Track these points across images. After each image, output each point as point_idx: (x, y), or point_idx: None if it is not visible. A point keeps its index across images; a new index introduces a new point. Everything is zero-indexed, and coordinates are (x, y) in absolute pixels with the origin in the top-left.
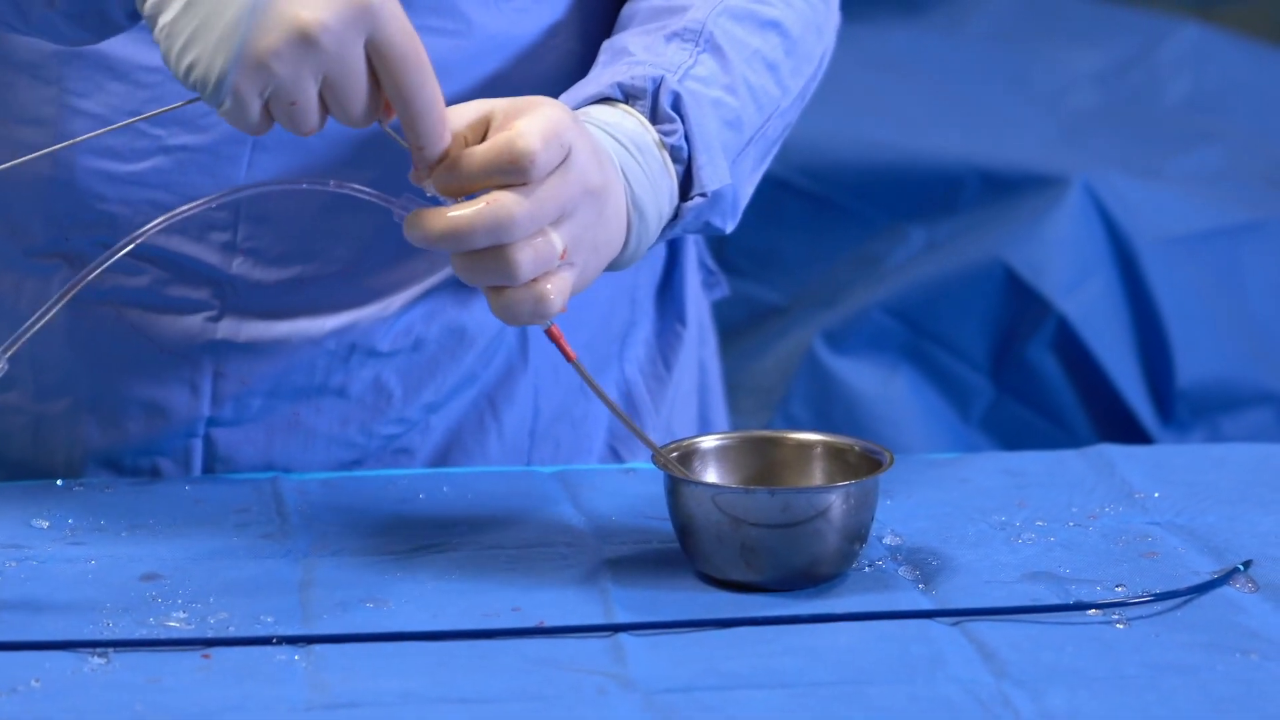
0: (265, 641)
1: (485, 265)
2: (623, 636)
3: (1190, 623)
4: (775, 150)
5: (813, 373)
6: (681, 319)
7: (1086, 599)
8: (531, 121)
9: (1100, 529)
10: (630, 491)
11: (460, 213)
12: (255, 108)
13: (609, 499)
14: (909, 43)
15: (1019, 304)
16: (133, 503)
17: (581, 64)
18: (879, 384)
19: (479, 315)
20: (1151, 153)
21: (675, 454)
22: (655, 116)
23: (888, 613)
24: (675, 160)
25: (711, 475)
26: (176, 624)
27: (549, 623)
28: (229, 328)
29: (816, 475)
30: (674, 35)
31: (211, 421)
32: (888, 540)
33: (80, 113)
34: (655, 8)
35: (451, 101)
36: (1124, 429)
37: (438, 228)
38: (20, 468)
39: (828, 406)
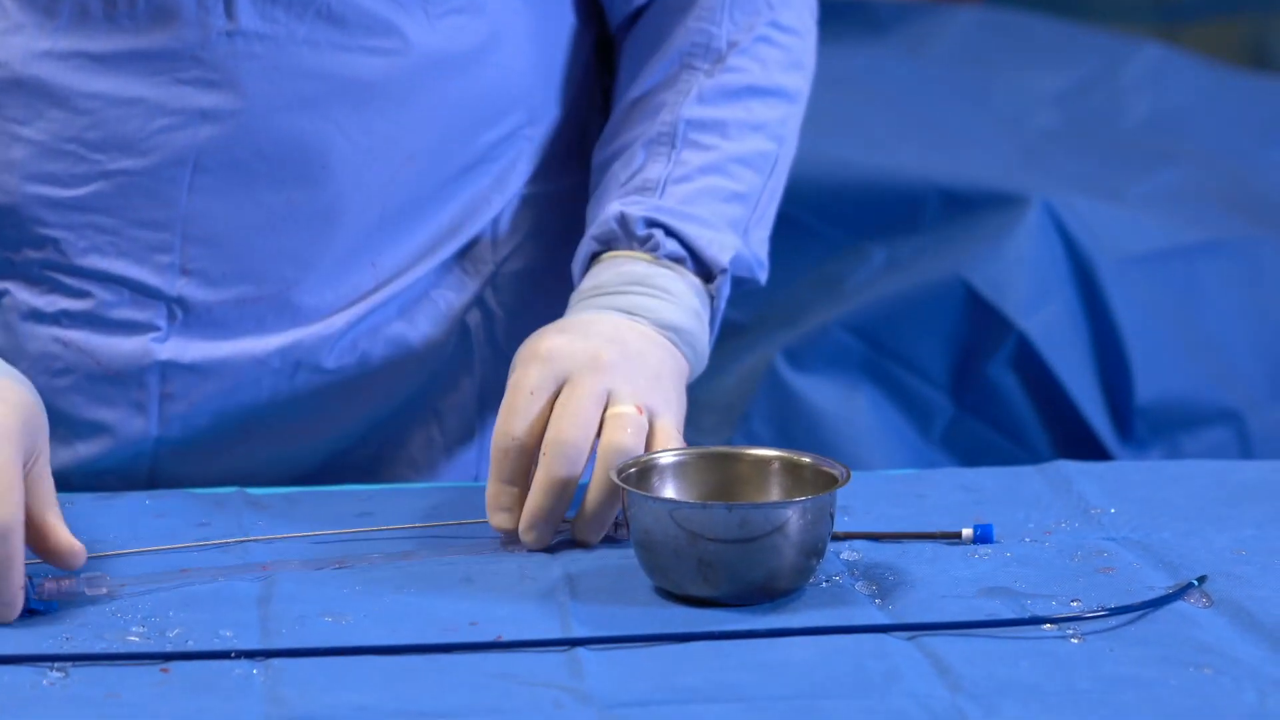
0: (224, 655)
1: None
2: (580, 650)
3: (1145, 638)
4: (783, 188)
5: (774, 390)
6: None
7: (1042, 614)
8: (505, 418)
9: (1056, 544)
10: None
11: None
12: None
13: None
14: (871, 62)
15: (979, 322)
16: (94, 516)
17: (531, 70)
18: (840, 402)
19: (423, 329)
20: (1112, 173)
21: (633, 469)
22: (635, 244)
23: (844, 627)
24: (678, 261)
25: (669, 490)
26: (135, 638)
27: (506, 637)
28: (174, 348)
29: (773, 491)
30: (649, 143)
31: (159, 441)
32: (845, 555)
33: (20, 139)
34: (634, 100)
35: (394, 123)
36: (1083, 447)
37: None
38: None
39: (789, 424)
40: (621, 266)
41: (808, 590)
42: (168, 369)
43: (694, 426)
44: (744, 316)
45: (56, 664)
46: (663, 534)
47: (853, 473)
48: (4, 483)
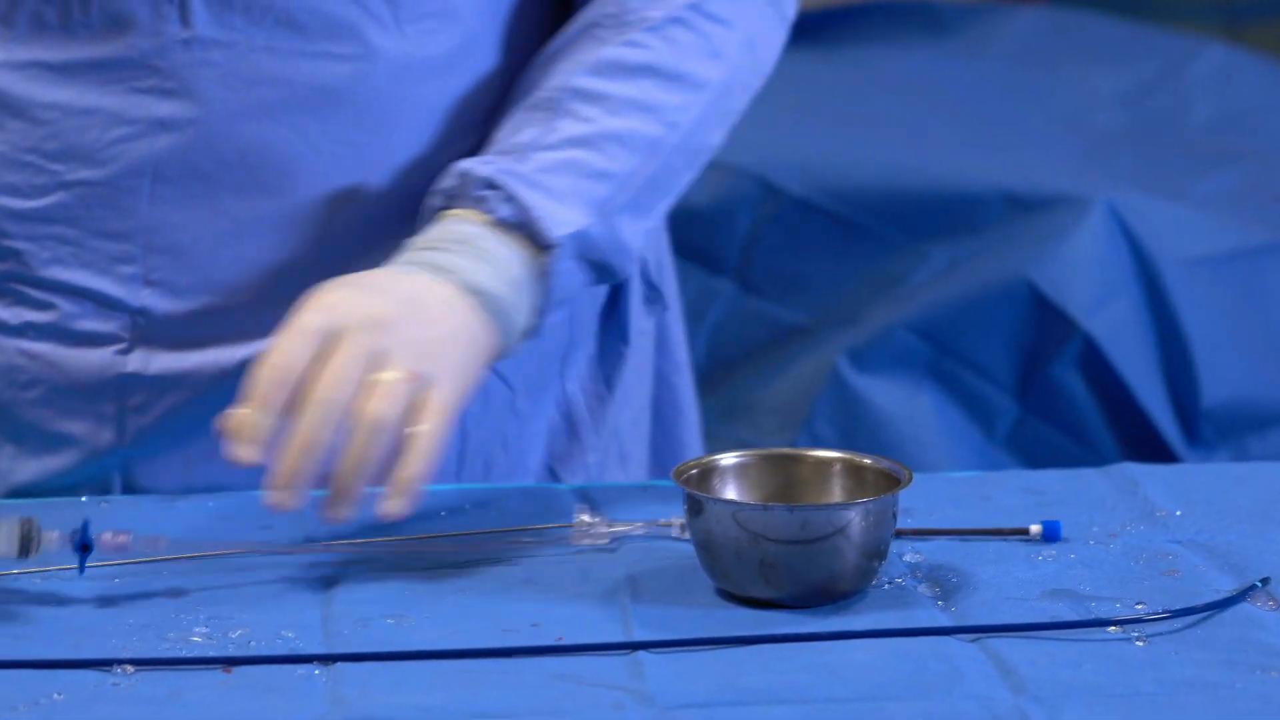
0: (286, 660)
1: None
2: (641, 653)
3: (1209, 640)
4: (681, 183)
5: (837, 392)
6: (625, 339)
7: (1106, 616)
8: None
9: (1121, 547)
10: (649, 508)
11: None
12: None
13: (628, 515)
14: (932, 64)
15: (1043, 323)
16: (158, 517)
17: (499, 79)
18: (903, 403)
19: None
20: (1176, 173)
21: (695, 471)
22: (472, 203)
23: (907, 630)
24: (513, 227)
25: (731, 492)
26: (199, 638)
27: (568, 638)
28: (139, 360)
29: (835, 492)
30: (531, 108)
31: (128, 453)
32: (908, 557)
33: None
34: (538, 62)
35: (361, 130)
36: (1149, 448)
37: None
38: None
39: (852, 425)
40: (452, 225)
41: (870, 592)
42: (131, 381)
43: (756, 427)
44: (806, 318)
45: (122, 665)
46: (724, 535)
47: (915, 475)
48: None
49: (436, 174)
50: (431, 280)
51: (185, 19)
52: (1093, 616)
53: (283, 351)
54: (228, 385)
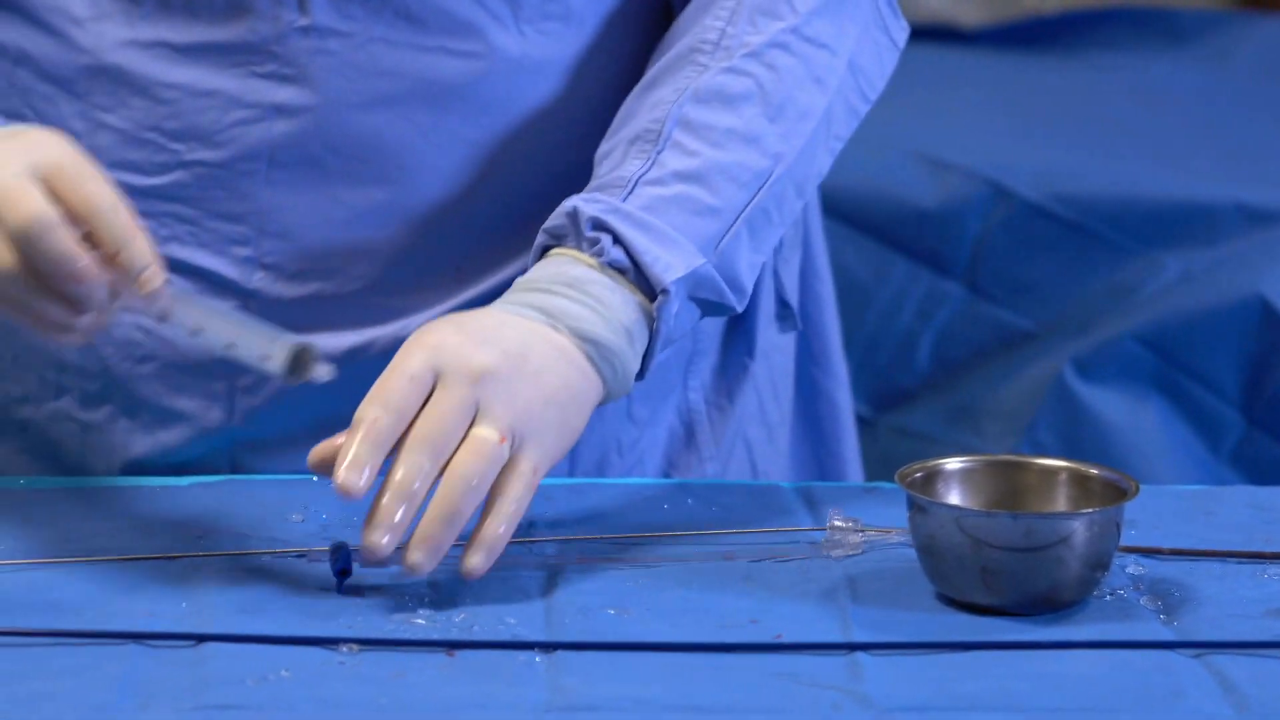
0: (508, 646)
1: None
2: (860, 654)
3: None
4: (793, 211)
5: (1061, 400)
6: (750, 352)
7: None
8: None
9: None
10: (871, 510)
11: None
12: None
13: (850, 516)
14: (1171, 72)
15: (1274, 338)
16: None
17: (619, 86)
18: (1128, 414)
19: None
20: None
21: (919, 474)
22: (582, 244)
23: (1128, 642)
24: (620, 271)
25: (954, 497)
26: (422, 621)
27: (786, 636)
28: None
29: (1060, 501)
30: (635, 139)
31: (237, 433)
32: (1130, 569)
33: (104, 126)
34: (639, 90)
35: (478, 128)
36: None
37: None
38: (72, 474)
39: (1075, 434)
40: (562, 266)
41: (1091, 603)
42: (242, 363)
43: (978, 433)
44: (1033, 324)
45: (348, 644)
46: (947, 540)
47: (1140, 487)
48: (13, 191)
49: (552, 177)
50: (540, 328)
51: (303, 6)
52: None
53: (387, 391)
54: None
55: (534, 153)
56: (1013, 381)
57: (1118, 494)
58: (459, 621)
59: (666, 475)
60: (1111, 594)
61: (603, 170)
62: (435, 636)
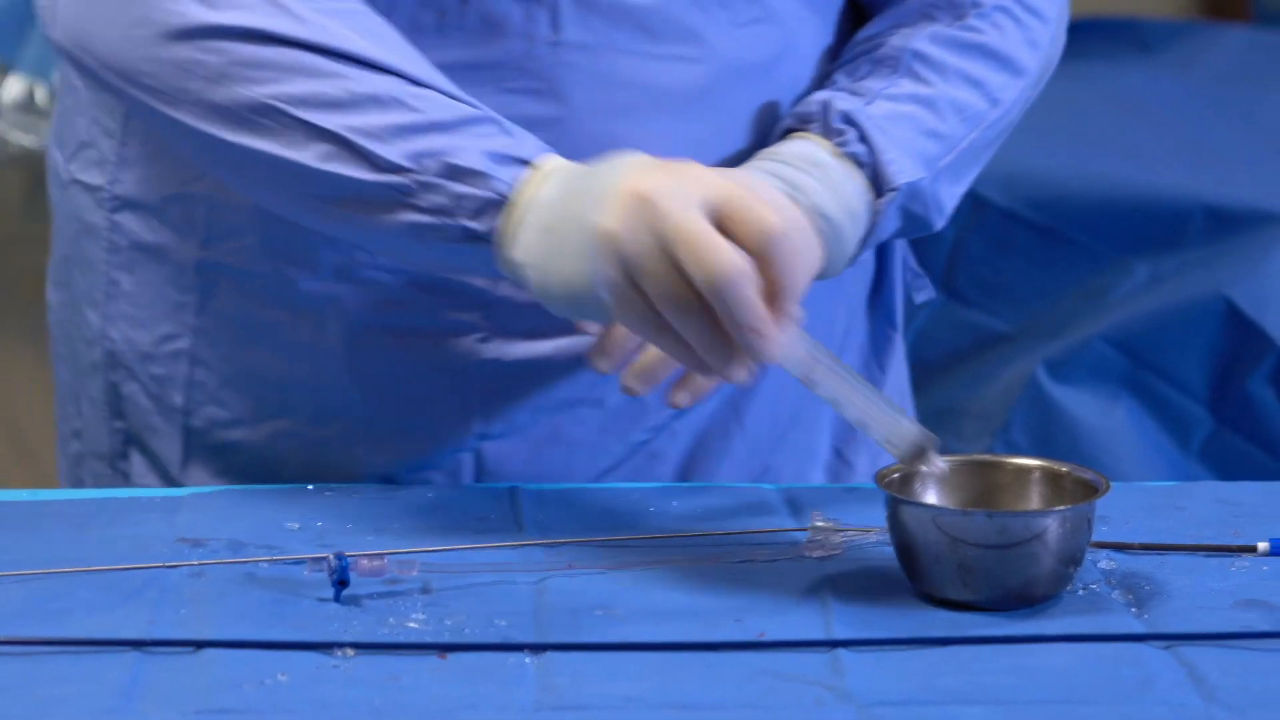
0: (499, 648)
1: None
2: (841, 650)
3: None
4: (986, 157)
5: (1034, 400)
6: (893, 323)
7: None
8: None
9: None
10: (851, 510)
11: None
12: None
13: (830, 516)
14: (1138, 80)
15: (1240, 339)
16: (377, 508)
17: (809, 86)
18: (1099, 413)
19: None
20: None
21: (896, 475)
22: (828, 132)
23: (1100, 635)
24: (858, 164)
25: (931, 497)
26: (415, 624)
27: (770, 634)
28: (497, 348)
29: (1033, 499)
30: (875, 62)
31: (481, 436)
32: (1103, 564)
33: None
34: (861, 39)
35: (697, 130)
36: None
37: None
38: None
39: (1048, 434)
40: (806, 146)
41: (1065, 597)
42: (490, 367)
43: (954, 434)
44: (1007, 327)
45: (343, 648)
46: (924, 539)
47: (1112, 484)
48: (701, 238)
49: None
50: (785, 198)
51: (555, 22)
52: None
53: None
54: (579, 370)
55: (739, 152)
56: (988, 383)
57: (1089, 491)
58: (451, 625)
59: (837, 450)
60: (1084, 588)
61: (838, 76)
62: (428, 640)
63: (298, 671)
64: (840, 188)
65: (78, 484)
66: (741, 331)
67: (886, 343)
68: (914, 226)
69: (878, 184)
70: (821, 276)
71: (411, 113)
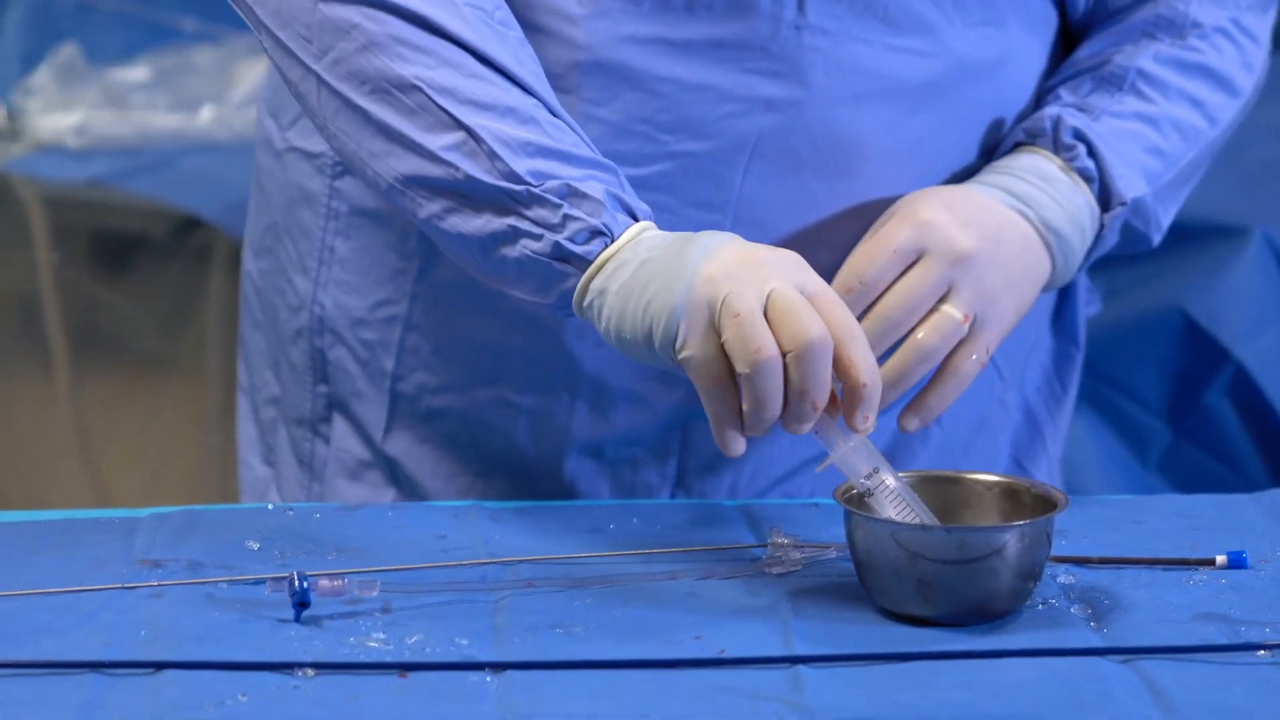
0: (459, 667)
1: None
2: (801, 667)
3: None
4: (1198, 176)
5: None
6: (1075, 341)
7: (1255, 640)
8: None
9: (1271, 572)
10: (811, 526)
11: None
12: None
13: (790, 532)
14: None
15: (1197, 351)
16: (338, 528)
17: (1031, 87)
18: None
19: None
20: None
21: (855, 491)
22: (1057, 148)
23: (1060, 650)
24: (1086, 180)
25: (890, 512)
26: (376, 644)
27: (730, 652)
28: None
29: (992, 514)
30: (1099, 79)
31: (690, 415)
32: (1062, 579)
33: (594, 119)
34: (1080, 58)
35: (924, 123)
36: None
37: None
38: (495, 459)
39: None
40: (1035, 160)
41: (1024, 612)
42: None
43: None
44: None
45: (303, 668)
46: (884, 554)
47: (1070, 498)
48: (802, 309)
49: (974, 171)
50: (1011, 214)
51: (801, 6)
52: (1243, 641)
53: (868, 260)
54: None
55: (960, 150)
56: None
57: (1048, 506)
58: (412, 644)
59: (1016, 460)
60: (1044, 603)
61: (1063, 93)
62: (389, 659)
63: (258, 692)
64: (1069, 202)
65: (268, 452)
66: (800, 398)
67: (1068, 360)
68: (1133, 242)
69: (1105, 199)
70: (1048, 288)
71: (545, 136)
